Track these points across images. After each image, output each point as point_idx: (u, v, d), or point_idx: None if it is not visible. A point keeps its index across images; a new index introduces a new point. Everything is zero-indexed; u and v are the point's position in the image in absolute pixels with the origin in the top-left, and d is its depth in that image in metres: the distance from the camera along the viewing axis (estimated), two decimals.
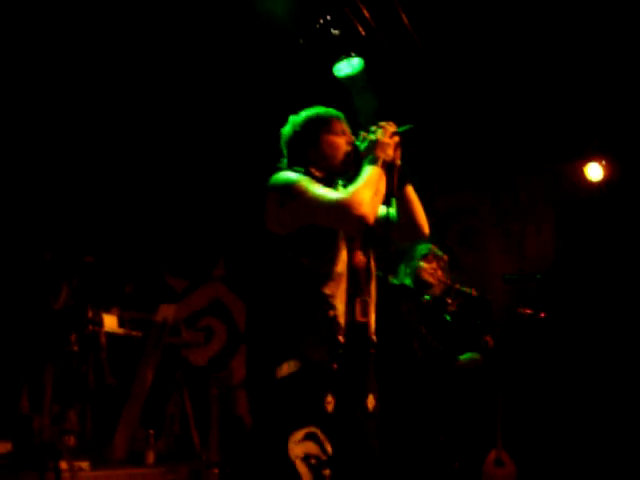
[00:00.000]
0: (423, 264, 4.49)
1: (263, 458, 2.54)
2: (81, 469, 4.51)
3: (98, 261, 5.11)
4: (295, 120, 2.87)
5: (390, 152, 2.70)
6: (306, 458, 2.43)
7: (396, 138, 2.74)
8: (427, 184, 6.58)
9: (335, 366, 2.54)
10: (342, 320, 2.60)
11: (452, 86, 5.88)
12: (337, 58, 5.19)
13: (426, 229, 2.93)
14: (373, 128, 2.76)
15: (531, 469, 5.91)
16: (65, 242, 5.05)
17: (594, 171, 6.25)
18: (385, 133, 2.73)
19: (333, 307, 2.59)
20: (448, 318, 4.76)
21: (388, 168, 2.70)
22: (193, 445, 5.50)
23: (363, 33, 5.17)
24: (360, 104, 5.28)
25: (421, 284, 4.51)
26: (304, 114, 2.87)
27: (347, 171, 2.78)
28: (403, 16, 5.24)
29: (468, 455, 5.99)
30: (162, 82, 5.40)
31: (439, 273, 4.50)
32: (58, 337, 4.62)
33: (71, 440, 4.70)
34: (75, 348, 4.63)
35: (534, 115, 6.13)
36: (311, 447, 2.44)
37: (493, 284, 6.05)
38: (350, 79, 5.32)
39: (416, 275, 4.49)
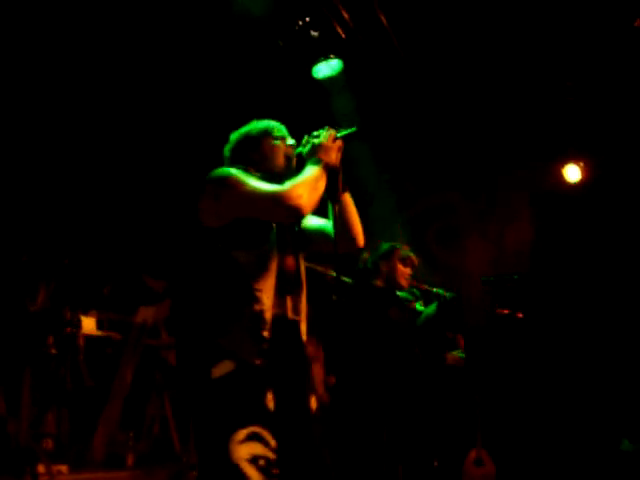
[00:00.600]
0: (400, 267, 4.49)
1: (206, 462, 2.46)
2: (59, 472, 4.48)
3: (76, 263, 5.09)
4: (239, 131, 2.92)
5: (333, 155, 2.72)
6: (253, 460, 2.38)
7: (339, 142, 2.76)
8: (406, 183, 6.67)
9: (259, 362, 2.51)
10: (268, 315, 2.59)
11: (432, 86, 5.90)
12: (316, 59, 5.19)
13: (361, 240, 2.94)
14: (316, 133, 2.79)
15: (510, 468, 5.95)
16: (42, 244, 5.01)
17: (572, 172, 6.31)
18: (328, 137, 2.75)
19: (259, 301, 2.58)
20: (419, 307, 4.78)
21: (330, 172, 2.72)
22: (173, 447, 5.48)
23: (343, 35, 5.19)
24: (338, 105, 5.31)
25: (393, 285, 4.51)
26: (247, 126, 2.92)
27: (288, 175, 2.75)
28: (382, 17, 5.26)
29: (448, 454, 6.03)
30: (140, 84, 5.37)
31: (410, 279, 4.51)
32: (35, 339, 4.59)
33: (49, 443, 4.67)
34: (52, 350, 4.60)
35: (513, 115, 6.17)
36: (256, 447, 2.40)
37: (471, 284, 6.09)
38: (329, 80, 5.33)
39: (391, 277, 4.49)
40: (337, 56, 5.18)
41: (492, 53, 5.59)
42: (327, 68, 5.25)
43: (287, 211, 2.55)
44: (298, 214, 2.58)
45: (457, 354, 4.71)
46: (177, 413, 5.57)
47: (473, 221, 6.49)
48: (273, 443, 2.44)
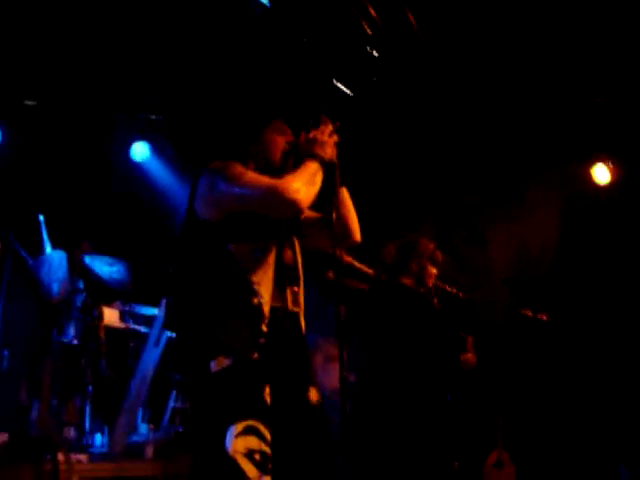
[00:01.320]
0: (430, 268, 4.42)
1: (203, 455, 2.47)
2: (79, 461, 4.53)
3: (98, 251, 5.14)
4: (240, 123, 2.92)
5: (329, 151, 2.72)
6: (249, 454, 2.37)
7: (335, 137, 2.76)
8: (435, 184, 6.63)
9: (257, 356, 2.50)
10: (267, 309, 2.57)
11: (460, 88, 5.87)
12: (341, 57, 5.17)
13: (358, 235, 2.94)
14: (313, 127, 2.78)
15: (531, 470, 5.90)
16: (67, 235, 5.07)
17: (601, 173, 6.22)
18: (324, 132, 2.75)
19: (258, 295, 2.57)
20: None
21: (327, 167, 2.71)
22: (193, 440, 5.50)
23: (369, 32, 5.17)
24: None
25: (420, 285, 4.45)
26: (247, 118, 2.92)
27: (285, 170, 2.76)
28: (410, 16, 5.24)
29: (468, 455, 5.99)
30: (155, 78, 5.42)
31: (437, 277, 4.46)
32: (57, 330, 4.64)
33: (70, 432, 4.72)
34: (74, 341, 4.65)
35: (542, 116, 6.11)
36: (252, 441, 2.39)
37: (497, 285, 6.03)
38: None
39: (421, 276, 4.41)
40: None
41: (521, 54, 5.55)
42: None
43: (284, 205, 2.55)
44: (295, 208, 2.57)
45: (467, 356, 4.65)
46: None
47: (500, 222, 6.42)
48: (269, 437, 2.43)
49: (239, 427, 2.39)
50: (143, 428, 5.37)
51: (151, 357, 5.30)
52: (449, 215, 6.64)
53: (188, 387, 2.65)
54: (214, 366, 2.46)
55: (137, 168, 6.35)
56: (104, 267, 5.05)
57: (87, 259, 4.93)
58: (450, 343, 4.49)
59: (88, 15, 5.01)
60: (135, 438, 5.28)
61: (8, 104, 5.44)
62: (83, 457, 4.56)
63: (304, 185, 2.56)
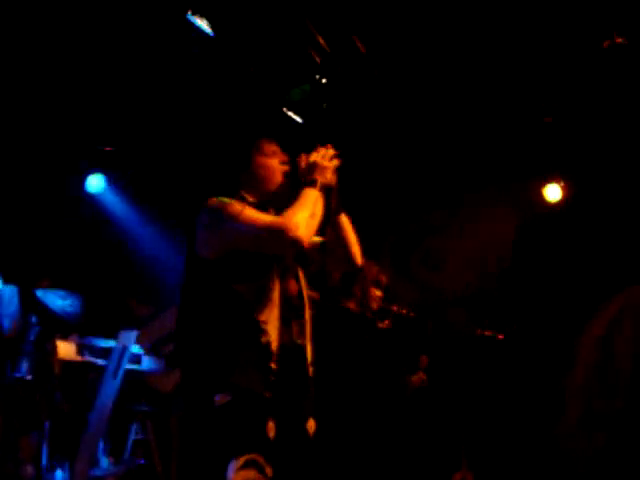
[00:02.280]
0: (374, 291, 4.44)
1: None
2: None
3: (54, 286, 5.11)
4: (225, 145, 2.99)
5: (329, 175, 2.71)
6: None
7: (335, 161, 2.74)
8: (390, 206, 6.69)
9: (268, 394, 2.49)
10: (275, 347, 2.55)
11: (411, 106, 5.93)
12: (290, 84, 5.23)
13: (359, 259, 2.93)
14: (311, 152, 2.77)
15: None
16: (20, 269, 5.04)
17: (553, 192, 6.33)
18: (324, 156, 2.73)
19: (266, 333, 2.54)
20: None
21: (326, 192, 2.70)
22: (156, 474, 5.45)
23: (318, 60, 5.23)
24: None
25: (365, 309, 4.46)
26: (234, 144, 2.94)
27: (284, 193, 2.75)
28: (357, 41, 5.31)
29: (433, 477, 5.99)
30: (110, 109, 5.45)
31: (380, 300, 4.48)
32: (10, 365, 4.59)
33: (27, 470, 4.66)
34: (28, 376, 4.61)
35: (494, 135, 6.20)
36: (252, 475, 2.39)
37: (454, 304, 6.08)
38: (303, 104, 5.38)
39: (364, 301, 4.42)
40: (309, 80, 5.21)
41: (470, 73, 5.63)
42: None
43: (286, 244, 2.53)
44: (298, 245, 2.55)
45: (420, 375, 4.66)
46: (160, 439, 5.54)
47: (455, 241, 6.48)
48: (268, 471, 2.44)
49: (241, 461, 2.39)
50: (104, 462, 5.32)
51: (110, 389, 5.27)
52: (405, 237, 6.69)
53: (188, 422, 2.58)
54: (219, 399, 2.46)
55: (92, 200, 6.33)
56: (57, 301, 5.01)
57: (39, 293, 4.90)
58: (396, 364, 4.51)
59: (42, 44, 5.00)
60: (96, 472, 5.23)
61: None
62: None
63: (305, 220, 2.54)
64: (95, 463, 5.27)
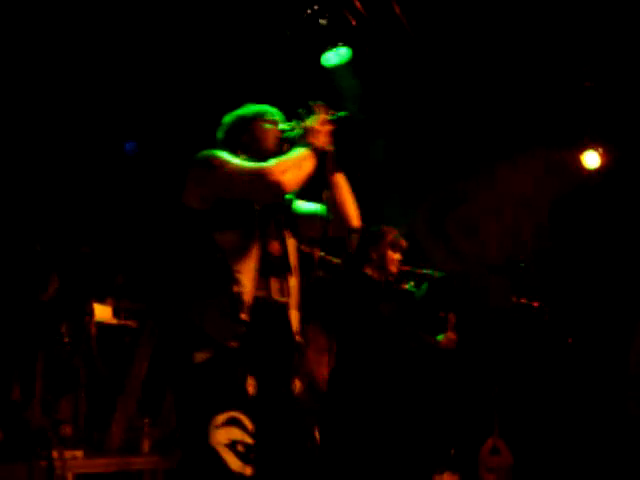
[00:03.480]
0: (390, 254, 4.44)
1: (188, 448, 2.47)
2: (74, 457, 4.56)
3: (92, 252, 5.16)
4: (231, 113, 2.92)
5: (322, 139, 2.70)
6: (232, 445, 2.38)
7: (329, 126, 2.74)
8: (423, 173, 6.64)
9: (235, 344, 2.50)
10: (247, 298, 2.56)
11: (445, 74, 5.86)
12: (325, 48, 5.18)
13: (356, 221, 2.90)
14: (305, 114, 2.78)
15: (527, 458, 5.91)
16: (56, 234, 5.09)
17: (591, 159, 6.22)
18: (318, 120, 2.73)
19: (238, 283, 2.56)
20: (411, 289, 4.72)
21: (320, 156, 2.70)
22: None
23: (353, 22, 5.18)
24: (348, 93, 5.30)
25: (383, 273, 4.46)
26: (240, 109, 2.92)
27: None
28: (394, 5, 5.24)
29: (465, 442, 6.03)
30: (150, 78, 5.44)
31: (400, 264, 4.46)
32: (48, 327, 4.67)
33: (65, 429, 4.75)
34: (65, 339, 4.68)
35: (531, 102, 6.10)
36: (235, 432, 2.40)
37: (490, 272, 6.04)
38: (338, 68, 5.32)
39: (381, 264, 4.43)
40: (345, 44, 5.16)
41: (512, 41, 5.54)
42: (336, 56, 5.23)
43: (267, 187, 2.54)
44: (279, 190, 2.55)
45: (449, 335, 4.63)
46: None
47: (491, 209, 6.42)
48: (252, 428, 2.44)
49: (221, 418, 2.40)
50: (140, 423, 5.41)
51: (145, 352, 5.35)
52: (440, 204, 6.64)
53: (172, 378, 2.62)
54: (197, 357, 2.47)
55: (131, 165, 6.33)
56: (95, 264, 5.08)
57: (77, 257, 4.97)
58: (423, 325, 4.51)
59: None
60: (132, 433, 5.32)
61: None
62: (78, 453, 4.59)
63: (289, 168, 2.55)
64: (131, 424, 5.35)
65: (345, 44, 5.14)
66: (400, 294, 4.50)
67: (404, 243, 4.47)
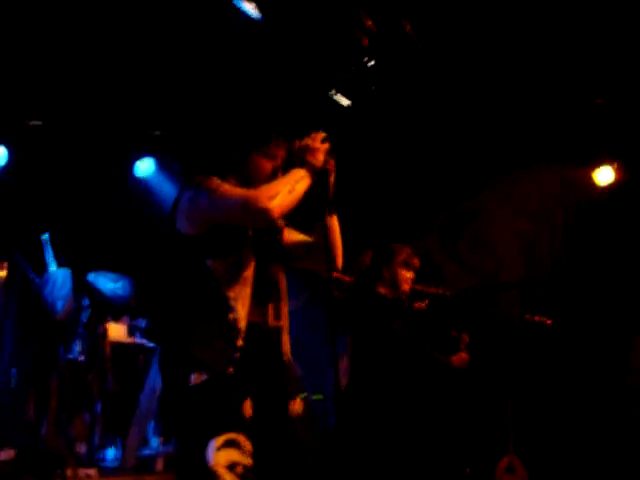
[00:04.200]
0: (403, 273, 4.41)
1: (186, 470, 2.47)
2: (88, 476, 4.59)
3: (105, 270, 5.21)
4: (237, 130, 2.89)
5: (320, 157, 2.69)
6: (232, 467, 2.38)
7: (327, 144, 2.73)
8: (437, 189, 6.64)
9: (231, 370, 2.50)
10: (242, 324, 2.57)
11: (458, 91, 5.87)
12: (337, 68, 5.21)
13: (339, 263, 2.91)
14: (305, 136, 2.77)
15: (543, 475, 5.87)
16: (69, 253, 5.14)
17: (605, 175, 6.20)
18: (315, 139, 2.73)
19: (233, 310, 2.57)
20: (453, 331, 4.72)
21: (320, 175, 2.71)
22: None
23: (365, 42, 5.20)
24: None
25: (396, 291, 4.41)
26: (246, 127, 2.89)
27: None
28: (405, 23, 5.26)
29: (480, 461, 5.98)
30: (158, 94, 5.49)
31: (413, 282, 4.44)
32: (63, 347, 4.71)
33: (79, 448, 4.79)
34: (80, 357, 4.72)
35: (544, 118, 6.10)
36: (234, 454, 2.40)
37: (504, 288, 6.03)
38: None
39: (393, 283, 4.38)
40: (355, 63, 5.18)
41: (523, 53, 5.54)
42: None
43: (255, 214, 2.52)
44: (267, 216, 2.52)
45: (462, 355, 4.60)
46: None
47: (503, 225, 6.41)
48: (250, 449, 2.44)
49: (220, 440, 2.39)
50: (154, 441, 5.43)
51: None
52: (452, 220, 6.64)
53: (168, 400, 2.58)
54: (193, 379, 2.46)
55: (141, 184, 6.39)
56: (108, 284, 5.12)
57: (91, 276, 5.01)
58: (435, 344, 4.48)
59: (91, 34, 5.07)
60: (146, 452, 5.34)
61: (13, 124, 5.52)
62: (92, 471, 4.62)
63: (280, 193, 2.54)
64: (145, 442, 5.37)
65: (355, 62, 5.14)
66: (413, 312, 4.48)
67: (417, 262, 4.43)
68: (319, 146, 2.72)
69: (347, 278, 4.42)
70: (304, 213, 2.74)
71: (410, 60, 5.53)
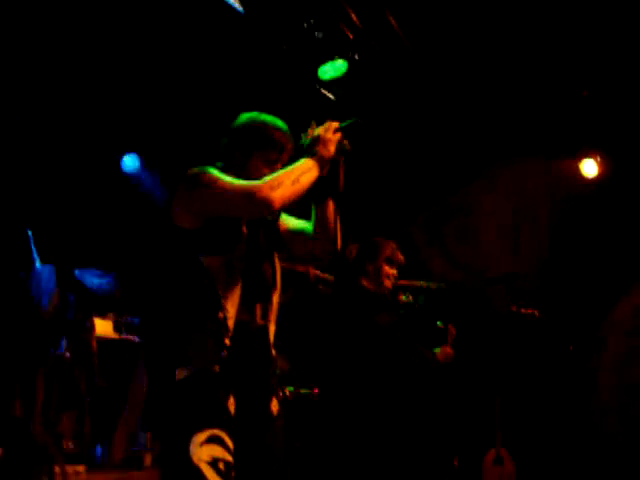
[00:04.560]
0: (386, 269, 4.39)
1: (169, 464, 2.45)
2: (77, 472, 4.57)
3: (91, 266, 5.19)
4: (245, 123, 2.82)
5: (332, 148, 2.65)
6: (213, 462, 2.37)
7: (338, 135, 2.68)
8: (422, 182, 6.66)
9: (217, 368, 2.49)
10: (231, 323, 2.56)
11: (444, 83, 5.88)
12: (322, 61, 5.21)
13: (338, 245, 2.79)
14: (314, 127, 2.73)
15: (530, 467, 5.90)
16: (56, 249, 5.11)
17: (589, 167, 6.24)
18: (328, 129, 2.68)
19: (223, 309, 2.55)
20: (439, 323, 4.72)
21: (332, 164, 2.67)
22: None
23: (350, 36, 5.20)
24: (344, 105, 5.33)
25: (379, 287, 4.38)
26: (255, 122, 2.81)
27: None
28: (390, 17, 5.26)
29: (467, 453, 6.01)
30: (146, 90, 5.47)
31: (395, 278, 4.43)
32: (49, 343, 4.68)
33: (67, 444, 4.76)
34: (66, 354, 4.69)
35: (529, 111, 6.12)
36: (216, 450, 2.39)
37: (487, 282, 6.04)
38: (335, 80, 5.35)
39: (377, 278, 4.36)
40: (342, 57, 5.19)
41: (507, 45, 5.56)
42: (332, 69, 5.25)
43: (256, 205, 2.49)
44: (267, 206, 2.48)
45: (446, 349, 4.60)
46: None
47: (490, 219, 6.44)
48: (232, 446, 2.44)
49: (203, 436, 2.39)
50: (142, 437, 5.41)
51: None
52: (438, 214, 6.66)
53: (154, 395, 2.54)
54: (179, 374, 2.45)
55: (127, 180, 6.38)
56: (94, 279, 5.10)
57: (77, 272, 4.98)
58: (420, 338, 4.48)
59: (77, 30, 5.05)
60: (134, 447, 5.33)
61: None
62: (80, 468, 4.60)
63: (280, 184, 2.49)
64: (133, 438, 5.36)
65: (341, 57, 5.15)
66: (397, 306, 4.47)
67: (401, 258, 4.43)
68: (331, 136, 2.67)
69: (328, 276, 4.43)
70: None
71: (398, 53, 5.55)
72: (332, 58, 5.18)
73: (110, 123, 5.81)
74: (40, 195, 5.39)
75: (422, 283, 4.48)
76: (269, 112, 2.89)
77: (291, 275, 2.93)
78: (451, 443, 6.09)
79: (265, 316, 2.71)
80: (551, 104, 6.05)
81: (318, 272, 4.28)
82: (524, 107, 6.05)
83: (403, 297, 4.48)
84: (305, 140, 2.74)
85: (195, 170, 2.62)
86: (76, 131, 5.68)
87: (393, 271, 4.37)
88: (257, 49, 5.09)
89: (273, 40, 4.97)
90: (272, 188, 2.48)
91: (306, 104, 5.44)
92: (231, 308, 2.57)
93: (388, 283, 4.35)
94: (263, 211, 2.55)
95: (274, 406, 2.70)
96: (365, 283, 4.34)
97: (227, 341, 2.55)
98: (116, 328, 5.35)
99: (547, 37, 5.41)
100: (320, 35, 4.83)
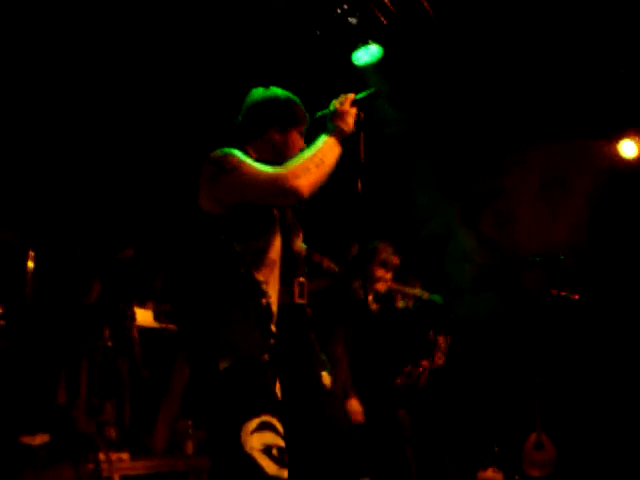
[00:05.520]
0: (380, 272, 4.35)
1: (220, 455, 2.40)
2: (120, 459, 4.63)
3: (134, 256, 5.23)
4: (270, 99, 2.80)
5: (351, 121, 2.59)
6: (267, 450, 2.32)
7: (356, 107, 2.62)
8: (459, 166, 6.60)
9: (266, 357, 2.43)
10: (275, 308, 2.51)
11: (478, 67, 5.82)
12: (355, 46, 5.18)
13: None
14: (334, 101, 2.67)
15: (572, 452, 5.85)
16: (97, 239, 5.17)
17: (629, 148, 6.14)
18: (345, 102, 2.62)
19: (266, 295, 2.49)
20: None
21: (353, 137, 2.60)
22: None
23: (384, 21, 5.17)
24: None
25: (371, 290, 4.36)
26: (281, 98, 2.80)
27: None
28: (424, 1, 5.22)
29: (508, 439, 5.98)
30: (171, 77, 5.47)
31: (391, 282, 4.37)
32: (92, 332, 4.74)
33: (110, 432, 4.83)
34: (109, 342, 4.75)
35: (567, 92, 6.04)
36: (268, 437, 2.34)
37: (526, 265, 5.99)
38: (369, 66, 5.32)
39: (370, 281, 4.33)
40: (376, 42, 5.15)
41: (544, 29, 5.48)
42: (367, 55, 5.22)
43: (284, 194, 2.43)
44: (296, 195, 2.42)
45: (436, 358, 4.55)
46: None
47: (525, 201, 6.37)
48: (283, 431, 2.39)
49: (253, 424, 2.34)
50: (184, 425, 5.46)
51: None
52: (476, 196, 6.60)
53: (197, 384, 2.48)
54: (222, 364, 2.39)
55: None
56: (135, 269, 5.15)
57: (118, 260, 5.04)
58: (410, 347, 4.45)
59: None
60: (176, 435, 5.38)
61: None
62: (124, 455, 4.65)
63: (305, 170, 2.44)
64: (175, 426, 5.41)
65: (376, 42, 5.11)
66: (375, 317, 4.41)
67: (396, 261, 4.36)
68: (349, 109, 2.61)
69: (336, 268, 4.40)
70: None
71: (429, 39, 5.50)
72: (366, 43, 5.13)
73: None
74: (81, 184, 5.42)
75: (415, 291, 4.42)
76: (302, 97, 2.87)
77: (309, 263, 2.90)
78: (491, 428, 6.07)
79: (302, 294, 2.69)
80: (590, 85, 5.95)
81: (332, 264, 4.24)
82: (563, 89, 5.96)
83: (401, 303, 4.44)
84: (321, 112, 2.68)
85: (217, 155, 2.55)
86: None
87: (388, 274, 4.32)
88: (291, 35, 5.08)
89: (307, 26, 4.95)
90: (298, 176, 2.42)
91: (340, 89, 5.41)
92: (272, 292, 2.53)
93: (379, 286, 4.30)
94: (294, 202, 2.49)
95: (325, 379, 2.68)
96: (356, 285, 4.28)
97: (273, 327, 2.50)
98: (156, 317, 5.40)
99: (585, 16, 5.33)
100: (354, 21, 4.79)
